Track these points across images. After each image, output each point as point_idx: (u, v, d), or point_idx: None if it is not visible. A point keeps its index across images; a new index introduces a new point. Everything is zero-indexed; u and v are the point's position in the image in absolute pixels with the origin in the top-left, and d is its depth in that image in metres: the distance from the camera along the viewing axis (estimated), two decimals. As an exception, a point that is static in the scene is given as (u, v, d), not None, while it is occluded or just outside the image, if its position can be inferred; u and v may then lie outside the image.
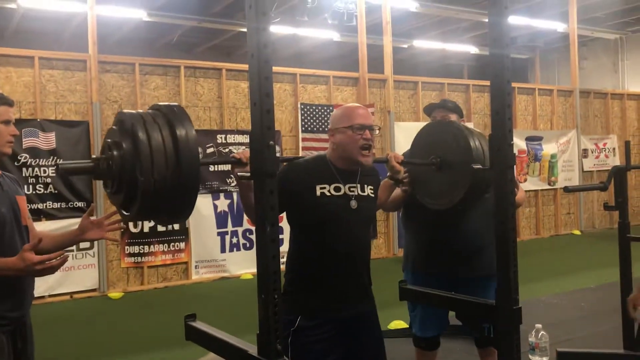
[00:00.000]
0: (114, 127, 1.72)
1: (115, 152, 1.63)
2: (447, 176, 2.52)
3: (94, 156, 1.66)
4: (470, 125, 9.38)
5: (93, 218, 2.32)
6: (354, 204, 2.30)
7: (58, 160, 6.26)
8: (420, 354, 3.21)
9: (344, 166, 2.32)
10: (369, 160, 2.31)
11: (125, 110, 1.72)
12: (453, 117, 3.11)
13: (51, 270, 1.97)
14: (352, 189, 2.32)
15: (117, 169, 1.63)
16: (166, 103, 1.74)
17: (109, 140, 1.68)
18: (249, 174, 1.69)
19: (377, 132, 2.37)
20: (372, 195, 2.42)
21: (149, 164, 1.56)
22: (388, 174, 2.59)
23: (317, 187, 2.27)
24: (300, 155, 7.80)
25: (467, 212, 2.93)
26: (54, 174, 6.25)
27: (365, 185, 2.38)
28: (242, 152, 1.98)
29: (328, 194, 2.28)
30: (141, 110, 1.71)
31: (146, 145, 1.57)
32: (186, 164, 1.60)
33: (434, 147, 2.59)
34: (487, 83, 2.12)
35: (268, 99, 1.60)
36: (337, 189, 2.30)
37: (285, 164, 2.36)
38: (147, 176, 1.56)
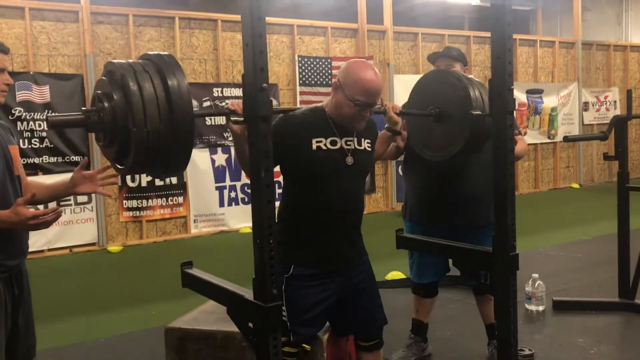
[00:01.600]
0: (103, 77, 1.67)
1: (106, 104, 1.59)
2: (446, 127, 2.47)
3: (84, 108, 1.62)
4: (471, 76, 9.25)
5: (86, 172, 2.29)
6: (350, 160, 2.27)
7: (53, 113, 6.19)
8: (418, 302, 3.25)
9: (340, 121, 2.28)
10: (361, 127, 2.28)
11: (114, 60, 1.67)
12: (457, 65, 3.07)
13: (45, 225, 1.95)
14: (348, 143, 2.29)
15: (108, 120, 1.59)
16: (156, 52, 1.68)
17: (99, 91, 1.64)
18: (242, 119, 1.65)
19: (379, 106, 2.30)
20: (369, 149, 2.38)
21: (141, 115, 1.52)
22: (386, 125, 2.52)
23: (314, 141, 2.23)
24: (298, 108, 7.73)
25: (465, 163, 2.93)
26: (49, 128, 6.19)
27: (363, 139, 2.34)
28: (237, 102, 1.92)
29: (324, 147, 2.24)
30: (131, 60, 1.66)
31: (138, 95, 1.53)
32: (180, 114, 1.57)
33: (433, 98, 2.52)
34: (488, 34, 2.05)
35: (261, 39, 1.55)
36: (333, 143, 2.26)
37: (281, 115, 2.31)
38: (139, 127, 1.52)
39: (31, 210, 1.93)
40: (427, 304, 3.25)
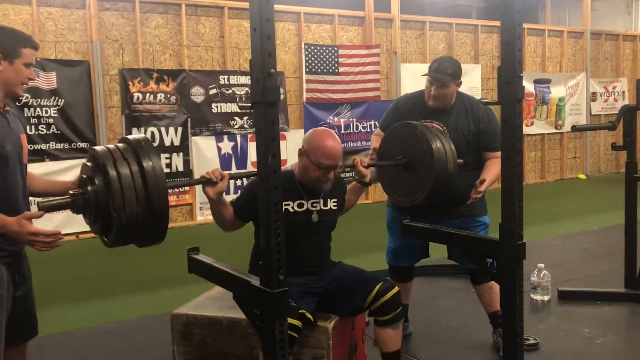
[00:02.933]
0: (87, 163, 1.82)
1: (89, 187, 1.76)
2: (412, 175, 2.64)
3: (71, 192, 1.79)
4: (477, 67, 9.21)
5: None
6: (315, 217, 2.53)
7: (60, 100, 6.21)
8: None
9: (308, 184, 2.51)
10: (327, 188, 2.51)
11: (96, 147, 1.83)
12: (450, 84, 3.00)
13: (40, 245, 1.96)
14: (314, 205, 2.54)
15: (92, 203, 1.76)
16: (134, 136, 1.84)
17: (84, 175, 1.80)
18: (249, 106, 1.65)
19: (340, 170, 2.54)
20: (335, 208, 2.62)
21: (120, 201, 1.69)
22: (355, 177, 2.64)
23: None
24: (304, 98, 7.72)
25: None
26: (56, 114, 6.21)
27: (329, 199, 2.59)
28: (211, 171, 2.13)
29: (292, 210, 2.49)
30: (111, 146, 1.80)
31: (117, 182, 1.70)
32: (155, 195, 1.72)
33: (402, 148, 2.68)
34: (496, 23, 2.05)
35: (269, 24, 1.54)
36: (300, 205, 2.51)
37: (253, 178, 2.49)
38: (119, 212, 1.69)
39: (34, 227, 1.96)
40: (404, 288, 3.29)
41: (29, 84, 2.25)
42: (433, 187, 2.53)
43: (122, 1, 6.69)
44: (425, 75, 3.08)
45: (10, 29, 2.17)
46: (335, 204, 2.62)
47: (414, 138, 2.61)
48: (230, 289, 1.80)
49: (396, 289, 2.54)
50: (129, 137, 1.84)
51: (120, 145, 1.81)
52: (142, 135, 1.87)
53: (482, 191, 2.87)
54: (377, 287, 2.48)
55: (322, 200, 2.56)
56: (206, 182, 2.12)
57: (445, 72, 2.98)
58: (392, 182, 2.82)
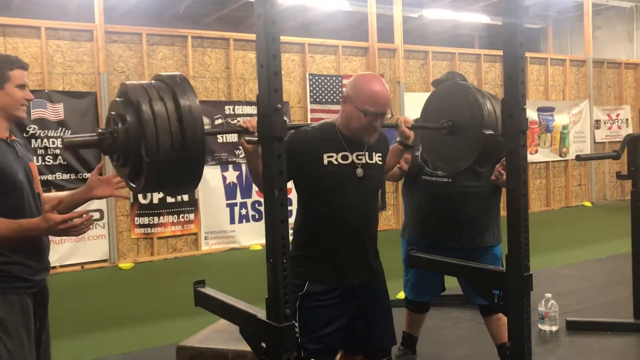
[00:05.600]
0: (117, 99, 1.69)
1: (120, 126, 1.60)
2: (458, 140, 2.45)
3: (99, 129, 1.63)
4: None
5: (102, 176, 2.34)
6: (360, 171, 2.27)
7: (66, 131, 6.26)
8: (410, 316, 3.36)
9: (351, 135, 2.28)
10: (373, 139, 2.27)
11: (128, 82, 1.69)
12: None
13: (75, 229, 1.95)
14: (359, 157, 2.29)
15: (122, 143, 1.60)
16: (169, 73, 1.70)
17: (113, 112, 1.65)
18: (256, 139, 1.66)
19: (389, 116, 2.29)
20: (380, 163, 2.38)
21: (154, 143, 1.54)
22: (398, 138, 2.51)
23: (325, 156, 2.24)
24: (309, 126, 7.76)
25: (463, 189, 3.03)
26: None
27: (374, 153, 2.34)
28: (248, 120, 1.97)
29: (335, 162, 2.24)
30: (145, 82, 1.67)
31: (151, 123, 1.54)
32: (191, 137, 1.58)
33: (446, 111, 2.50)
34: (499, 53, 2.07)
35: (275, 60, 1.57)
36: (344, 158, 2.26)
37: (292, 131, 2.32)
38: (152, 157, 1.54)
39: (60, 216, 1.94)
40: (418, 319, 3.35)
41: (35, 114, 2.27)
42: (482, 152, 2.33)
43: (129, 33, 6.81)
44: (434, 82, 3.15)
45: None
46: (380, 158, 2.37)
47: (462, 99, 2.42)
48: (236, 322, 1.80)
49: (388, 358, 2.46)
50: (163, 74, 1.71)
51: (154, 82, 1.67)
52: (178, 73, 1.74)
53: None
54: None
55: (367, 154, 2.30)
56: (242, 131, 1.97)
57: (454, 79, 3.09)
58: (434, 148, 2.63)
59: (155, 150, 1.53)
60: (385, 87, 2.25)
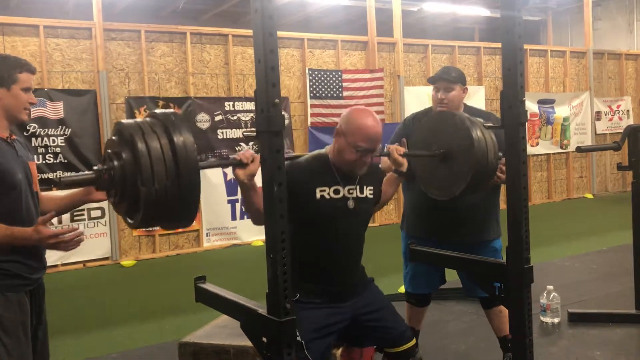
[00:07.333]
0: (113, 137, 1.73)
1: (115, 163, 1.65)
2: (450, 167, 2.50)
3: (95, 167, 1.68)
4: (481, 88, 9.26)
5: None
6: (351, 203, 2.36)
7: (66, 129, 6.27)
8: (410, 310, 3.32)
9: (343, 167, 2.35)
10: (362, 171, 2.36)
11: (123, 120, 1.74)
12: (456, 87, 3.03)
13: (63, 244, 2.01)
14: (351, 191, 2.37)
15: (118, 179, 1.65)
16: (163, 110, 1.75)
17: (109, 150, 1.70)
18: (254, 134, 1.66)
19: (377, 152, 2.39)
20: (371, 196, 2.46)
21: (149, 174, 1.58)
22: (392, 167, 2.56)
23: (317, 190, 2.32)
24: (309, 122, 7.76)
25: None
26: (63, 144, 6.26)
27: (365, 186, 2.42)
28: (242, 152, 2.01)
29: (327, 196, 2.33)
30: (139, 119, 1.72)
31: (146, 154, 1.59)
32: (185, 172, 1.62)
33: (437, 138, 2.54)
34: (499, 45, 2.07)
35: (272, 55, 1.56)
36: (336, 192, 2.35)
37: (286, 162, 2.36)
38: (148, 186, 1.58)
39: (51, 229, 1.99)
40: (419, 312, 3.31)
41: (35, 113, 2.28)
42: (473, 178, 2.37)
43: (128, 31, 6.80)
44: (430, 79, 3.12)
45: (3, 56, 2.18)
46: (371, 192, 2.45)
47: (451, 127, 2.47)
48: (237, 317, 1.80)
49: (414, 341, 2.49)
50: (157, 111, 1.75)
51: (148, 119, 1.72)
52: (171, 109, 1.78)
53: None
54: (408, 344, 2.43)
55: (358, 187, 2.39)
56: (237, 163, 2.00)
57: (449, 74, 3.03)
58: (427, 175, 2.67)
59: (150, 178, 1.58)
60: (378, 123, 2.31)
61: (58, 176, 6.25)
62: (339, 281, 2.38)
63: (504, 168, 2.73)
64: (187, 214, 1.70)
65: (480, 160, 2.34)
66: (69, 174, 6.31)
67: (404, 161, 2.49)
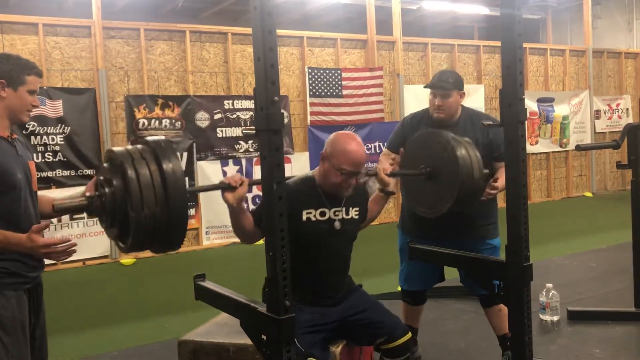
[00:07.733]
0: (104, 164, 1.78)
1: (107, 189, 1.70)
2: (436, 185, 2.55)
3: (87, 194, 1.74)
4: (480, 87, 9.26)
5: None
6: (337, 224, 2.45)
7: (66, 127, 6.27)
8: (406, 309, 3.31)
9: (329, 189, 2.44)
10: (347, 193, 2.44)
11: (114, 148, 1.78)
12: (453, 94, 3.02)
13: (56, 255, 2.01)
14: (336, 213, 2.46)
15: (109, 205, 1.70)
16: (154, 137, 1.79)
17: (101, 177, 1.75)
18: (254, 132, 1.66)
19: (361, 176, 2.46)
20: (357, 217, 2.55)
21: (138, 199, 1.63)
22: (378, 187, 2.62)
23: (304, 212, 2.40)
24: (308, 121, 7.75)
25: None
26: (63, 142, 6.26)
27: (351, 208, 2.51)
28: (230, 176, 2.06)
29: (313, 219, 2.41)
30: (130, 147, 1.76)
31: (135, 181, 1.64)
32: (174, 197, 1.67)
33: (424, 156, 2.60)
34: (498, 44, 2.07)
35: (272, 53, 1.56)
36: (322, 214, 2.44)
37: None
38: (137, 211, 1.63)
39: (45, 238, 2.00)
40: (415, 311, 3.30)
41: (35, 111, 2.28)
42: (458, 196, 2.43)
43: (127, 29, 6.79)
44: (427, 86, 3.11)
45: (15, 57, 2.19)
46: (357, 213, 2.54)
47: (437, 146, 2.52)
48: (237, 315, 1.80)
49: (409, 335, 2.52)
50: (148, 138, 1.79)
51: (139, 146, 1.76)
52: (162, 137, 1.83)
53: (497, 188, 2.80)
54: (402, 339, 2.47)
55: (344, 209, 2.48)
56: (225, 187, 2.04)
57: (446, 81, 3.02)
58: (414, 193, 2.73)
59: (140, 204, 1.63)
60: (361, 147, 2.41)
61: (57, 175, 6.25)
62: (326, 296, 2.46)
63: (494, 184, 2.78)
64: (175, 238, 1.75)
65: (465, 179, 2.41)
66: (67, 172, 6.31)
67: (390, 181, 2.58)
